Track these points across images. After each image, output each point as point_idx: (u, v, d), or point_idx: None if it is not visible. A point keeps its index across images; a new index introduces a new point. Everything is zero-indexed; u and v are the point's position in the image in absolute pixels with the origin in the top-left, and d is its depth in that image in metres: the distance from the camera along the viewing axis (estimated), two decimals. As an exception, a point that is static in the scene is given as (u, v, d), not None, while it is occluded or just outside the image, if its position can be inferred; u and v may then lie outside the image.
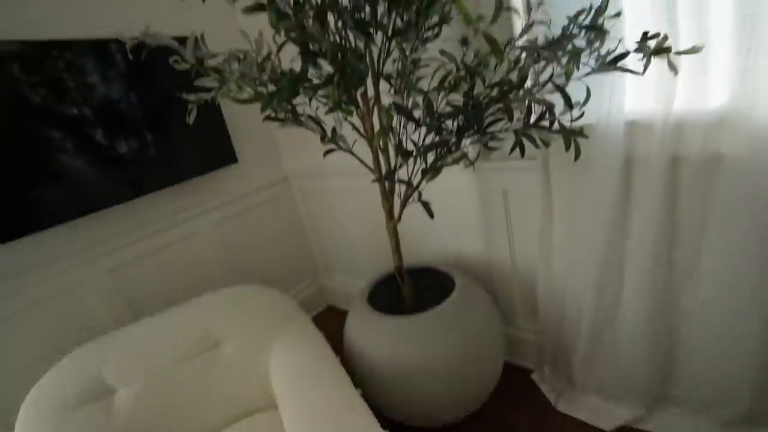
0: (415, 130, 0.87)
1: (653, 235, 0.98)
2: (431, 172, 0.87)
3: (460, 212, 1.42)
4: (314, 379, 1.09)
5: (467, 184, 1.33)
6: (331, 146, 1.04)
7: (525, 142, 0.85)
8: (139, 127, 1.42)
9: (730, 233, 0.89)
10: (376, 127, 0.97)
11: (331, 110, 0.90)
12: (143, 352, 1.15)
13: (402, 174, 1.04)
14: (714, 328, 0.97)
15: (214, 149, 1.65)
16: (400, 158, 0.95)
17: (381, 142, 0.95)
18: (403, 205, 1.09)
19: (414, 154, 0.91)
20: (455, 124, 0.89)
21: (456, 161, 0.86)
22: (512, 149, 0.83)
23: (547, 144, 0.86)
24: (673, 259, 1.00)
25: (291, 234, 2.03)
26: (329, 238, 2.01)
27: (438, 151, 0.94)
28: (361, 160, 1.07)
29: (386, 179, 0.96)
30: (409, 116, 0.82)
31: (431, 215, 0.99)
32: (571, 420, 1.25)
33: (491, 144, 0.91)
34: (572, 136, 0.77)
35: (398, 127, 0.95)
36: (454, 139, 0.87)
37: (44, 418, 1.02)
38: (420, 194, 0.99)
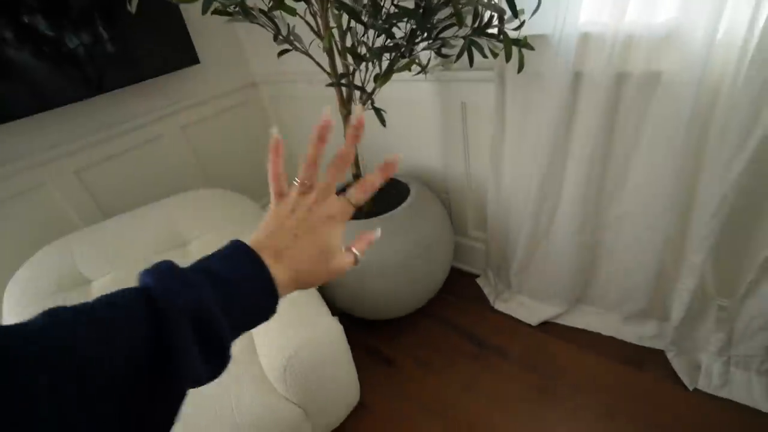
0: (364, 33, 0.86)
1: (590, 149, 1.04)
2: (382, 77, 0.88)
3: (419, 124, 1.45)
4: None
5: (427, 96, 1.34)
6: (285, 46, 1.02)
7: (474, 51, 0.86)
8: (90, 20, 1.34)
9: (656, 151, 0.96)
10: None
11: (272, 8, 0.87)
12: (115, 247, 1.23)
13: (357, 80, 1.04)
14: (627, 238, 1.09)
15: (173, 49, 1.57)
16: (353, 61, 0.95)
17: (331, 43, 0.93)
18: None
19: (366, 57, 0.90)
20: (407, 27, 0.88)
21: (407, 66, 0.87)
22: (458, 56, 0.84)
23: (495, 54, 0.87)
24: (605, 174, 1.08)
25: (261, 142, 2.03)
26: (301, 149, 2.02)
27: (391, 56, 0.94)
28: (317, 62, 1.05)
29: (340, 83, 0.96)
30: (353, 15, 0.80)
31: (383, 123, 1.02)
32: (505, 317, 1.43)
33: (444, 51, 0.91)
34: (515, 46, 0.78)
35: (348, 28, 0.93)
36: (405, 44, 0.87)
37: (28, 303, 1.11)
38: (373, 101, 1.00)
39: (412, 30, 0.86)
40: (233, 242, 0.32)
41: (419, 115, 1.42)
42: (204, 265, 0.30)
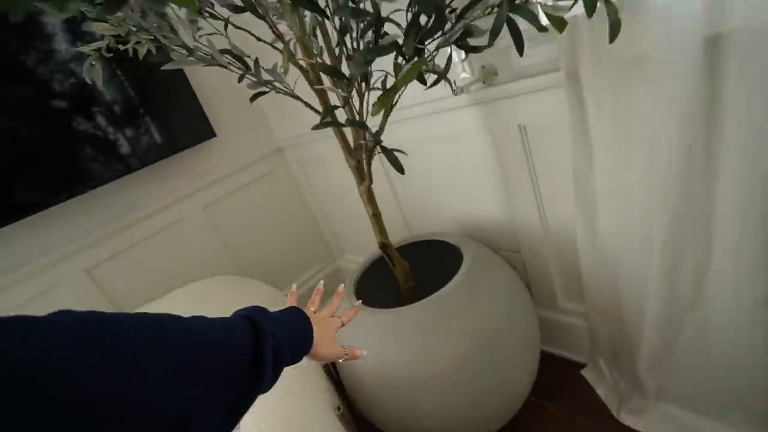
0: (342, 42, 0.56)
1: (759, 161, 0.59)
2: (381, 98, 0.56)
3: (466, 163, 1.09)
4: (284, 389, 0.86)
5: (469, 125, 0.99)
6: (261, 89, 0.76)
7: (517, 20, 0.50)
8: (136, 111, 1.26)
9: None
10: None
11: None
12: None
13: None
14: None
15: (186, 123, 1.44)
16: (341, 88, 0.65)
17: (298, 61, 0.65)
18: (369, 158, 0.79)
19: (351, 75, 0.60)
20: (408, 16, 0.56)
21: (415, 71, 0.53)
22: (492, 36, 0.49)
23: (560, 24, 0.51)
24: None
25: (293, 213, 1.81)
26: (337, 213, 1.75)
27: (394, 62, 0.62)
28: (304, 102, 0.78)
29: (326, 122, 0.66)
30: (309, 5, 0.51)
31: (399, 169, 0.68)
32: (640, 435, 0.91)
33: (471, 42, 0.58)
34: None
35: (317, 34, 0.64)
36: (402, 41, 0.55)
37: None
38: (379, 141, 0.68)
39: (413, 17, 0.54)
40: (293, 307, 0.50)
41: (464, 152, 1.07)
42: (278, 314, 0.45)
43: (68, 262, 1.28)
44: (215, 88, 1.54)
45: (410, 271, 0.98)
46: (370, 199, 0.86)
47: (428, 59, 0.58)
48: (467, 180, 1.12)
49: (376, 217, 0.88)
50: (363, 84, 0.65)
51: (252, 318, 0.39)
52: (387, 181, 1.32)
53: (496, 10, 0.50)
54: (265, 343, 0.37)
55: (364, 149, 0.77)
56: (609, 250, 0.86)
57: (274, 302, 1.20)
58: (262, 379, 0.36)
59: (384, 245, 0.91)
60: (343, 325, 0.56)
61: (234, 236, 1.64)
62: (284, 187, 1.77)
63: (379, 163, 1.29)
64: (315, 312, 0.55)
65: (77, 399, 0.23)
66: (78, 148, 1.22)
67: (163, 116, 1.38)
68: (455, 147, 1.08)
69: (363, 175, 0.83)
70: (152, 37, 0.66)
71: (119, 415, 0.25)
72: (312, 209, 1.85)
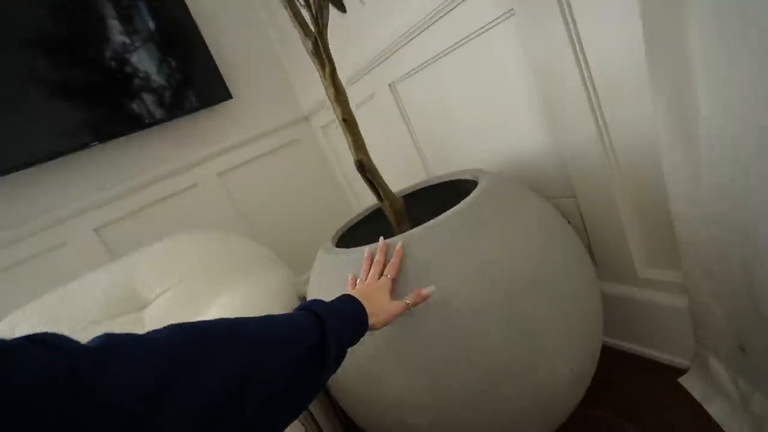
0: None
1: None
2: None
3: (494, 78, 0.80)
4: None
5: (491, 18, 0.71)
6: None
7: None
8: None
9: None
10: None
11: None
12: (51, 318, 0.88)
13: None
14: None
15: (200, 82, 1.37)
16: None
17: None
18: (316, 16, 0.56)
19: None
20: None
21: None
22: None
23: None
24: None
25: (320, 185, 1.63)
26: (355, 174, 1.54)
27: None
28: None
29: None
30: None
31: (341, 7, 0.44)
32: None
33: None
34: None
35: None
36: None
37: None
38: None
39: None
40: (345, 294, 0.51)
41: (489, 59, 0.79)
42: (339, 306, 0.47)
43: (78, 219, 1.25)
44: (234, 48, 1.45)
45: (405, 208, 0.71)
46: (337, 96, 0.63)
47: None
48: (496, 99, 0.83)
49: (347, 123, 0.64)
50: None
51: (317, 314, 0.43)
52: (403, 122, 1.07)
53: None
54: (331, 342, 0.41)
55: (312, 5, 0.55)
56: (723, 173, 0.51)
57: (259, 259, 1.01)
58: (328, 363, 0.41)
59: (361, 164, 0.66)
60: (392, 282, 0.55)
61: (250, 207, 1.51)
62: (310, 158, 1.61)
63: (393, 102, 1.06)
64: (373, 275, 0.56)
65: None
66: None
67: (179, 73, 1.32)
68: (474, 56, 0.80)
69: (321, 58, 0.60)
70: None
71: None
72: (339, 181, 1.66)
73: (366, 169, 0.66)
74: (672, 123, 0.54)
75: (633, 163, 0.66)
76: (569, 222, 0.74)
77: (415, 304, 0.52)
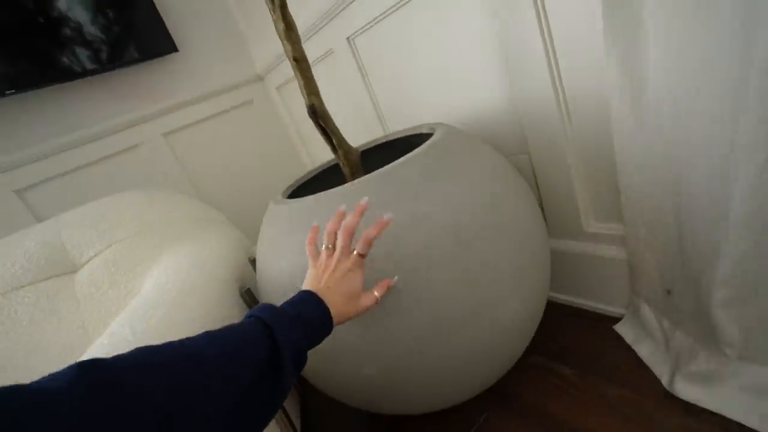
0: None
1: None
2: None
3: (455, 33, 0.78)
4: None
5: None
6: None
7: None
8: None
9: None
10: None
11: None
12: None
13: None
14: None
15: (135, 33, 1.24)
16: None
17: None
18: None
19: None
20: None
21: None
22: None
23: None
24: None
25: (274, 148, 1.57)
26: (313, 134, 1.49)
27: None
28: None
29: None
30: None
31: None
32: (702, 419, 0.56)
33: None
34: None
35: None
36: None
37: None
38: None
39: None
40: (305, 292, 0.44)
41: (449, 20, 0.77)
42: (295, 311, 0.41)
43: (-2, 179, 1.12)
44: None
45: (361, 160, 0.69)
46: (288, 32, 0.59)
47: None
48: (457, 55, 0.81)
49: (298, 63, 0.60)
50: None
51: (267, 325, 0.38)
52: (360, 75, 1.04)
53: None
54: (285, 356, 0.37)
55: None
56: (662, 137, 0.53)
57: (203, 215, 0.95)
58: (284, 378, 0.37)
59: (313, 109, 0.63)
60: (363, 258, 0.49)
61: (199, 169, 1.42)
62: (263, 120, 1.54)
63: (352, 58, 1.02)
64: (330, 253, 0.48)
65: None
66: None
67: (111, 23, 1.19)
68: (434, 3, 0.78)
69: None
70: None
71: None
72: (294, 144, 1.60)
73: (318, 115, 0.63)
74: (623, 74, 0.55)
75: (584, 119, 0.68)
76: (524, 177, 0.75)
77: (382, 297, 0.49)
